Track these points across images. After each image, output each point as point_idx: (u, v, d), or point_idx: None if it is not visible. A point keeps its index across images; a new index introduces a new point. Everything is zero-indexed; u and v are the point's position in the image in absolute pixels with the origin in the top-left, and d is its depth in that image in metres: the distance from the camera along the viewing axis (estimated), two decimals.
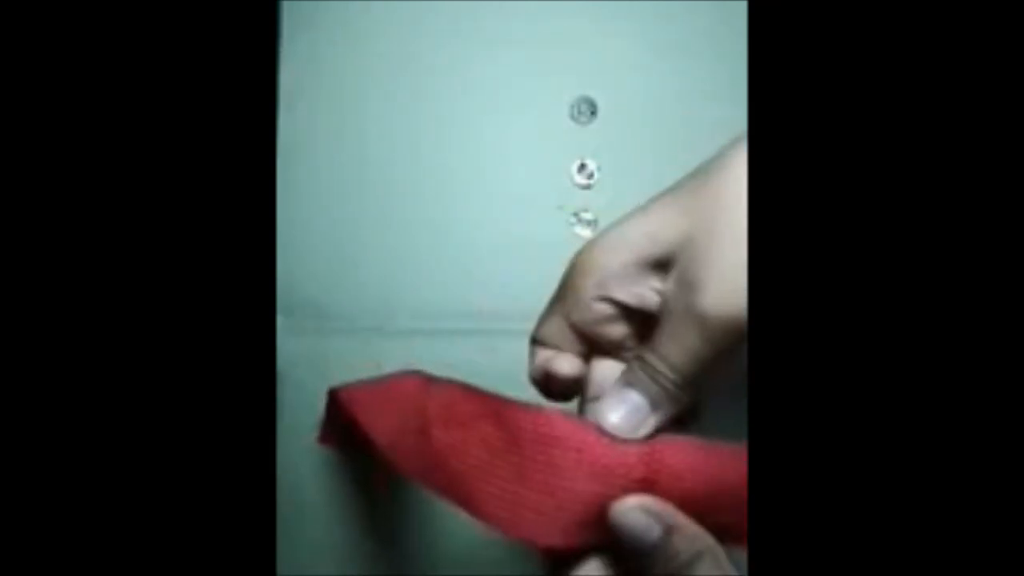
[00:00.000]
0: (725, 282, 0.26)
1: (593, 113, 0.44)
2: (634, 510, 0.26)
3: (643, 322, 0.29)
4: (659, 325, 0.28)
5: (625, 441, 0.27)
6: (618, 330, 0.30)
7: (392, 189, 0.43)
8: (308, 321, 0.43)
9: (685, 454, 0.27)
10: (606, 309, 0.29)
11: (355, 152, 0.44)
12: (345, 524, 0.42)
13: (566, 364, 0.30)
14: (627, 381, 0.28)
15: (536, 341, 0.31)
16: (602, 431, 0.27)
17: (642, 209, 0.29)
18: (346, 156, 0.44)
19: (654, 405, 0.28)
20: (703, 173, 0.28)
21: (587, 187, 0.43)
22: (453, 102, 0.44)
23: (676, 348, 0.27)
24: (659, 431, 0.28)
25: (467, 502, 0.27)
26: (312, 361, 0.43)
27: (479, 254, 0.43)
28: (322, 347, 0.43)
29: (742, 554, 0.26)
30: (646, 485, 0.26)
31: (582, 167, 0.43)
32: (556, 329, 0.30)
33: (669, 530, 0.26)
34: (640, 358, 0.28)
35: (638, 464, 0.26)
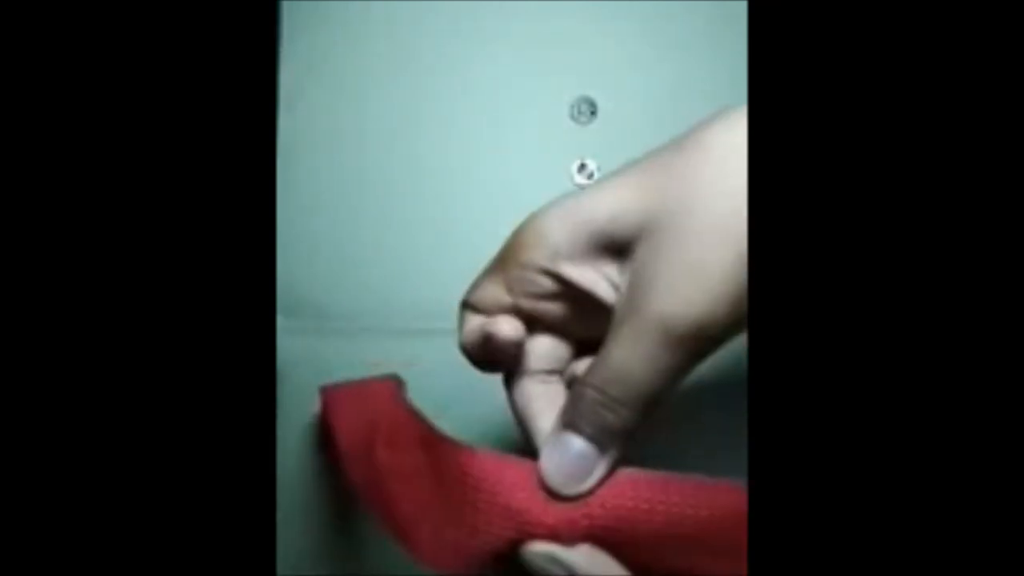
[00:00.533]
0: (690, 280, 0.23)
1: (593, 113, 0.44)
2: (539, 557, 0.24)
3: (588, 310, 0.26)
4: (609, 336, 0.24)
5: (564, 502, 0.24)
6: (559, 310, 0.27)
7: (392, 189, 0.43)
8: (308, 321, 0.43)
9: (635, 496, 0.24)
10: (551, 286, 0.26)
11: (355, 152, 0.44)
12: (345, 524, 0.42)
13: (507, 326, 0.26)
14: (567, 422, 0.25)
15: (468, 306, 0.28)
16: (539, 486, 0.24)
17: (606, 182, 0.25)
18: (346, 156, 0.44)
19: (601, 447, 0.24)
20: (677, 147, 0.25)
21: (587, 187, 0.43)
22: (453, 102, 0.44)
23: (633, 363, 0.23)
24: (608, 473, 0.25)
25: (394, 525, 0.26)
26: (312, 361, 0.43)
27: (479, 254, 0.43)
28: (322, 347, 0.43)
29: None
30: (591, 539, 0.24)
31: (582, 167, 0.43)
32: (493, 297, 0.27)
33: None
34: (582, 388, 0.24)
35: (580, 521, 0.24)
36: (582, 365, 0.27)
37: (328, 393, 0.31)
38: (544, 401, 0.27)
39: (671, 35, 0.44)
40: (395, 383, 0.30)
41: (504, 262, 0.27)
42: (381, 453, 0.27)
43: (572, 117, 0.44)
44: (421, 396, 0.42)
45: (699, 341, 0.23)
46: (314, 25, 0.44)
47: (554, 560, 0.24)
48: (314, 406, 0.41)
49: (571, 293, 0.26)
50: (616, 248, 0.25)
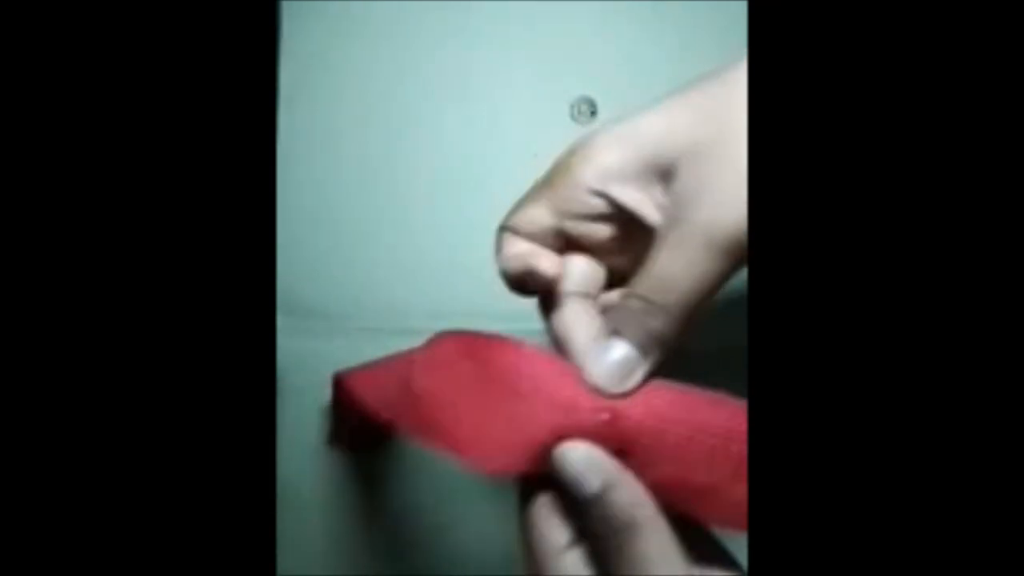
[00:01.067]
0: (735, 191, 0.24)
1: (593, 113, 0.44)
2: (575, 456, 0.24)
3: (632, 234, 0.27)
4: (655, 247, 0.25)
5: (607, 399, 0.25)
6: (605, 232, 0.27)
7: (392, 189, 0.43)
8: (308, 321, 0.43)
9: (663, 402, 0.25)
10: (599, 205, 0.26)
11: (355, 152, 0.44)
12: (345, 524, 0.42)
13: (547, 262, 0.27)
14: (615, 327, 0.25)
15: (508, 229, 0.28)
16: (581, 381, 0.25)
17: (652, 108, 0.26)
18: (346, 156, 0.44)
19: (644, 352, 0.25)
20: (716, 77, 0.26)
21: None
22: (453, 102, 0.44)
23: (677, 269, 0.24)
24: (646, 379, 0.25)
25: (438, 437, 0.26)
26: (312, 361, 0.43)
27: (480, 254, 0.43)
28: (322, 347, 0.43)
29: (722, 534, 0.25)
30: (611, 430, 0.24)
31: None
32: (538, 219, 0.27)
33: (608, 488, 0.23)
34: (630, 296, 0.25)
35: (621, 421, 0.24)
36: (615, 295, 0.28)
37: (345, 376, 0.31)
38: (582, 321, 0.27)
39: (671, 35, 0.44)
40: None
41: (553, 183, 0.27)
42: (418, 382, 0.27)
43: (572, 117, 0.44)
44: None
45: (741, 248, 0.24)
46: (314, 25, 0.44)
47: (592, 463, 0.24)
48: (319, 407, 0.41)
49: (617, 215, 0.26)
50: (663, 170, 0.25)
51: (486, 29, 0.44)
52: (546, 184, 0.28)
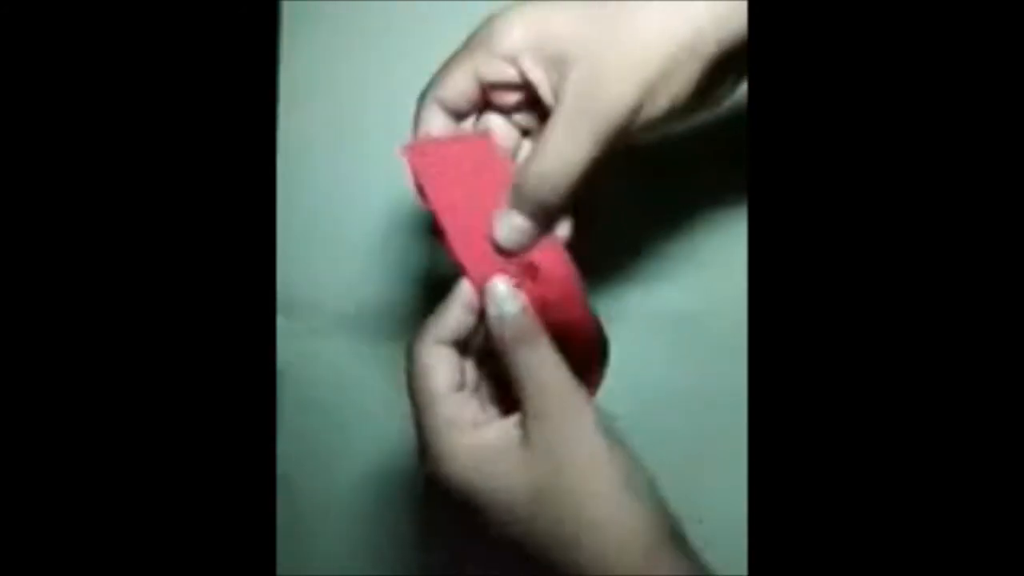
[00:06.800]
0: (616, 89, 0.28)
1: None
2: (503, 283, 0.30)
3: (535, 106, 0.31)
4: (547, 128, 0.29)
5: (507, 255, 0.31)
6: (514, 99, 0.31)
7: (392, 189, 0.43)
8: (308, 321, 0.43)
9: (555, 264, 0.31)
10: (512, 75, 0.30)
11: (355, 152, 0.44)
12: (344, 524, 0.42)
13: (496, 124, 0.32)
14: (511, 203, 0.30)
15: (434, 99, 0.31)
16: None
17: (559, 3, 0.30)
18: (346, 156, 0.44)
19: (535, 220, 0.30)
20: None
21: None
22: None
23: (565, 151, 0.29)
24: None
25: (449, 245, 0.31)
26: (312, 361, 0.43)
27: None
28: (322, 347, 0.43)
29: None
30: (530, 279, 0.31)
31: None
32: (462, 89, 0.31)
33: (524, 308, 0.30)
34: (525, 173, 0.30)
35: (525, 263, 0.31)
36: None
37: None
38: None
39: None
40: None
41: (471, 50, 0.31)
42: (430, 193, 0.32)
43: None
44: None
45: (619, 137, 0.29)
46: (314, 25, 0.44)
47: (509, 292, 0.30)
48: (319, 407, 0.41)
49: (525, 87, 0.30)
50: (558, 59, 0.29)
51: None
52: (466, 52, 0.31)
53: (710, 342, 0.40)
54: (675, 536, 0.29)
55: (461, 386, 0.30)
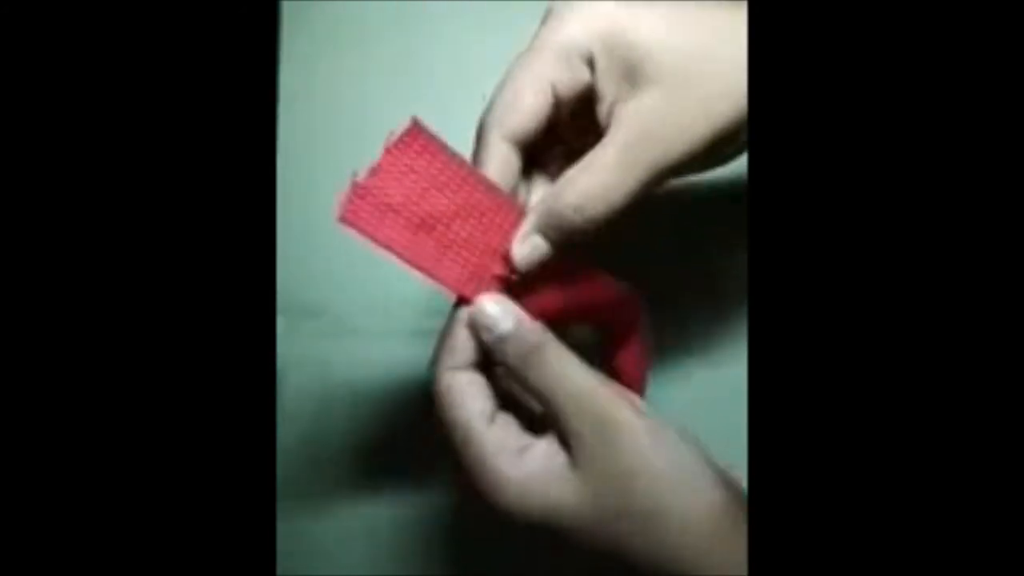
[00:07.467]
0: (691, 131, 0.25)
1: None
2: (489, 302, 0.28)
3: (584, 112, 0.28)
4: (594, 155, 0.26)
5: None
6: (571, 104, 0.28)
7: None
8: (308, 321, 0.43)
9: (559, 284, 0.30)
10: (588, 81, 0.27)
11: (355, 152, 0.44)
12: (344, 523, 0.42)
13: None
14: (536, 226, 0.28)
15: (493, 131, 0.29)
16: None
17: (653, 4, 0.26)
18: (346, 156, 0.44)
19: (555, 247, 0.28)
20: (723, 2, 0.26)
21: None
22: (452, 102, 0.44)
23: (609, 187, 0.26)
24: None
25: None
26: (312, 361, 0.42)
27: None
28: (322, 347, 0.43)
29: None
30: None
31: None
32: (534, 103, 0.28)
33: (519, 322, 0.28)
34: (559, 200, 0.27)
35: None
36: (544, 191, 0.30)
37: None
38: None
39: None
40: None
41: (542, 54, 0.27)
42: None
43: None
44: (420, 396, 0.42)
45: (668, 179, 0.26)
46: (314, 25, 0.44)
47: (501, 304, 0.28)
48: (319, 407, 0.40)
49: (583, 92, 0.27)
50: (631, 73, 0.25)
51: (486, 29, 0.44)
52: (533, 55, 0.27)
53: (710, 348, 0.40)
54: (738, 500, 0.27)
55: (495, 411, 0.28)
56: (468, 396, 0.28)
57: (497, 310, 0.28)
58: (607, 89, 0.26)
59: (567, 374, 0.27)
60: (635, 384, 0.34)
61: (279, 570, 0.38)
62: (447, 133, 0.44)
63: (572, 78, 0.26)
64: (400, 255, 0.30)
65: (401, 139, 0.30)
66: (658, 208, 0.41)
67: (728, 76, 0.24)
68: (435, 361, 0.29)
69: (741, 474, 0.27)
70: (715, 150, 0.25)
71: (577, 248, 0.28)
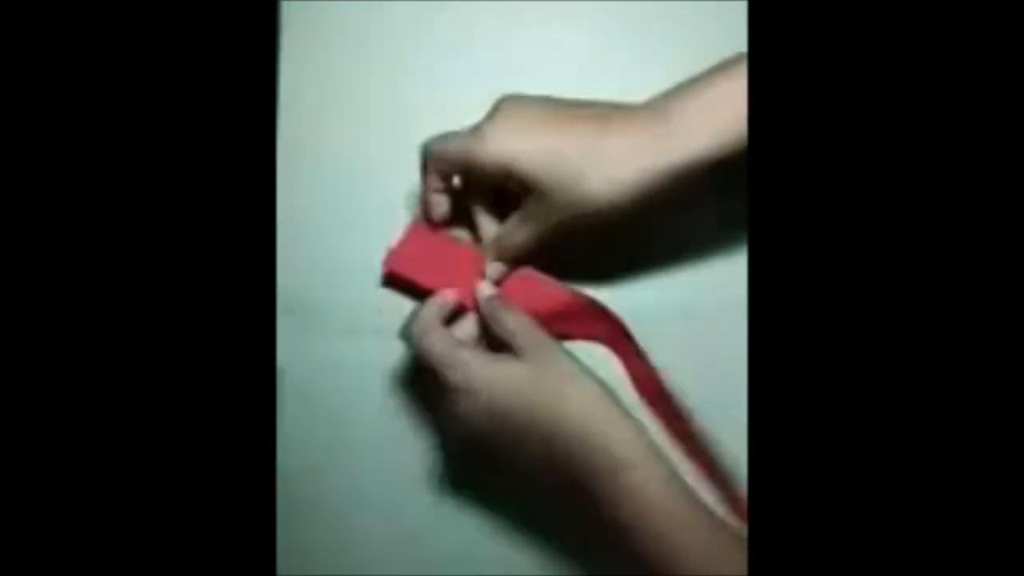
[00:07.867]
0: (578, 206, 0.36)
1: None
2: (491, 305, 0.39)
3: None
4: (517, 215, 0.38)
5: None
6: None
7: (392, 189, 0.43)
8: (308, 321, 0.43)
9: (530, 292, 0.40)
10: (499, 179, 0.37)
11: (355, 152, 0.44)
12: (344, 523, 0.42)
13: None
14: (497, 256, 0.39)
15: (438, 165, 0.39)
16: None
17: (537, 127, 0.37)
18: (346, 156, 0.44)
19: (510, 266, 0.40)
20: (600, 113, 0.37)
21: None
22: (453, 102, 0.44)
23: (522, 234, 0.38)
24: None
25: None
26: (312, 361, 0.43)
27: None
28: (322, 347, 0.43)
29: None
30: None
31: None
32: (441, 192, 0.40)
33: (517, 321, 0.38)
34: (503, 243, 0.39)
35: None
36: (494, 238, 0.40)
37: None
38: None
39: (669, 34, 0.44)
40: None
41: (468, 153, 0.38)
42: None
43: None
44: (419, 396, 0.42)
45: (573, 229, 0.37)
46: (314, 25, 0.44)
47: (501, 307, 0.38)
48: (319, 407, 0.41)
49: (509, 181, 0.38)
50: (528, 178, 0.36)
51: (486, 29, 0.44)
52: (460, 149, 0.38)
53: (710, 342, 0.40)
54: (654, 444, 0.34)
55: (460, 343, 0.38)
56: (442, 329, 0.38)
57: (495, 304, 0.39)
58: (517, 184, 0.37)
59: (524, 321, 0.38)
60: (658, 404, 0.39)
61: (279, 570, 0.38)
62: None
63: (486, 176, 0.38)
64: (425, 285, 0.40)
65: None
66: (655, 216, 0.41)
67: (591, 200, 0.36)
68: (410, 322, 0.37)
69: None
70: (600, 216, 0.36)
71: (558, 267, 0.37)
